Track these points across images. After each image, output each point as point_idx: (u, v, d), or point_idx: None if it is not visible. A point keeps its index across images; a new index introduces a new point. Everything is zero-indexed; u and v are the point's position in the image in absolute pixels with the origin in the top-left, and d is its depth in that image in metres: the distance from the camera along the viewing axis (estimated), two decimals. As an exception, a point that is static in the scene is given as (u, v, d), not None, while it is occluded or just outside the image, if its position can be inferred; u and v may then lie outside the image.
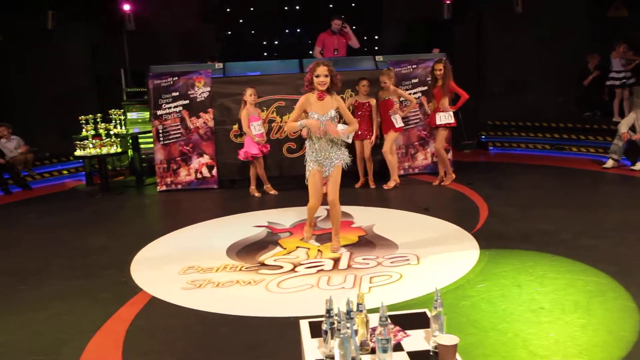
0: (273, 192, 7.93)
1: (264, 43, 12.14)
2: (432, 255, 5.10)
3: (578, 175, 8.27)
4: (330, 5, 11.86)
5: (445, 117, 7.68)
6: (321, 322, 2.55)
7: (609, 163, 8.47)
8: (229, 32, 12.15)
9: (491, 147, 10.88)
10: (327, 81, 4.88)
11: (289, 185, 8.18)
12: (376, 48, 11.81)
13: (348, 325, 2.30)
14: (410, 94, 8.35)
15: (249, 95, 7.66)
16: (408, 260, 5.00)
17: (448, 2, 10.87)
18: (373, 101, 7.84)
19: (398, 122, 7.76)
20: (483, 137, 11.11)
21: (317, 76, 4.86)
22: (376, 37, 12.11)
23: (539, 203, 6.74)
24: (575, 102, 11.06)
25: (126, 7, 10.48)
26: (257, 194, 7.85)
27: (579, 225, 5.73)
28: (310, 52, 10.85)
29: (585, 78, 10.72)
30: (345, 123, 5.77)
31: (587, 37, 10.85)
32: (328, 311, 2.50)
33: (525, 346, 3.39)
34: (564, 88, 11.01)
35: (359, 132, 7.76)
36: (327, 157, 5.07)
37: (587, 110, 10.87)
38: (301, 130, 5.35)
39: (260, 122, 7.77)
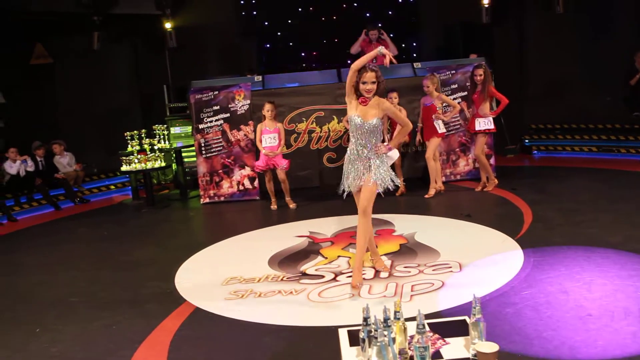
0: (292, 205, 7.84)
1: (302, 54, 12.22)
2: (475, 262, 5.03)
3: (627, 178, 8.00)
4: (367, 14, 11.87)
5: (485, 123, 7.58)
6: (359, 330, 2.56)
7: (660, 164, 8.19)
8: (268, 45, 12.30)
9: (535, 151, 10.64)
10: (373, 88, 4.50)
11: (330, 195, 8.19)
12: (414, 55, 11.75)
13: (385, 333, 2.29)
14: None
15: (267, 110, 7.71)
16: (450, 267, 4.94)
17: (486, 5, 10.73)
18: (403, 111, 7.81)
19: (441, 128, 7.70)
20: (526, 141, 10.89)
21: (364, 83, 4.47)
22: (414, 43, 12.05)
23: (586, 207, 6.55)
24: (622, 102, 10.71)
25: (168, 25, 10.75)
26: (292, 205, 7.86)
27: (628, 230, 5.54)
28: (349, 62, 10.88)
29: (632, 77, 10.38)
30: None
31: (633, 34, 10.51)
32: (365, 319, 2.51)
33: (572, 354, 3.30)
34: (610, 88, 10.68)
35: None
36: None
37: (636, 110, 10.51)
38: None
39: (273, 135, 7.69)
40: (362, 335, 2.49)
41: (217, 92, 8.49)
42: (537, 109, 11.09)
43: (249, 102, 8.46)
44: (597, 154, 9.93)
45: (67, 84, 10.99)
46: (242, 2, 11.98)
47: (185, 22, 10.88)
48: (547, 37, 11.03)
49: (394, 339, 2.45)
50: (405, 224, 6.43)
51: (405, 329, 2.50)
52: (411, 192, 7.97)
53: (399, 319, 2.52)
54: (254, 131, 8.23)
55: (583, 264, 4.74)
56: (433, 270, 4.92)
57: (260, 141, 7.72)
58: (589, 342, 3.43)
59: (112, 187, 10.45)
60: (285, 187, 7.91)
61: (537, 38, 11.20)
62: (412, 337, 2.54)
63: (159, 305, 4.66)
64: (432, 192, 7.78)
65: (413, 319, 2.81)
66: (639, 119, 10.19)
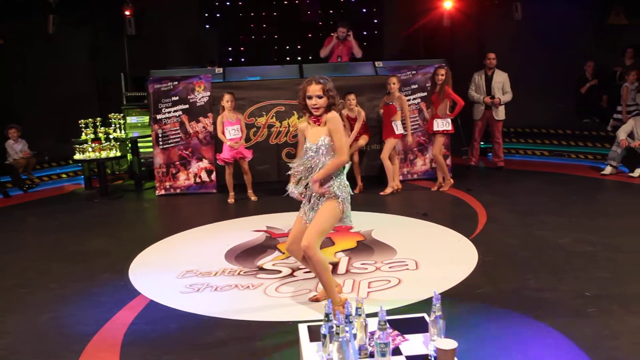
0: (254, 198, 7.89)
1: (262, 49, 12.16)
2: (431, 260, 5.12)
3: (576, 181, 8.28)
4: (330, 11, 11.90)
5: (443, 124, 7.72)
6: (320, 326, 2.57)
7: (607, 170, 8.49)
8: (230, 38, 12.18)
9: (490, 154, 10.87)
10: (320, 103, 3.85)
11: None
12: (376, 54, 11.85)
13: (347, 329, 2.31)
14: (409, 100, 8.39)
15: (226, 101, 7.65)
16: (406, 265, 5.01)
17: (448, 9, 10.91)
18: (362, 113, 7.88)
19: (398, 129, 7.78)
20: (482, 143, 11.11)
21: (310, 97, 3.85)
22: (376, 43, 12.14)
23: (538, 209, 6.75)
24: (573, 108, 11.09)
25: (127, 12, 10.49)
26: (253, 198, 7.87)
27: (578, 232, 5.74)
28: (310, 57, 10.91)
29: (583, 85, 10.76)
30: None
31: (587, 44, 10.88)
32: (327, 315, 2.52)
33: (523, 352, 3.40)
34: (562, 95, 11.03)
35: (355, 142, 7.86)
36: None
37: (586, 117, 10.91)
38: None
39: (236, 127, 7.68)
40: (323, 330, 2.50)
41: (176, 83, 8.35)
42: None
43: (208, 94, 8.35)
44: (548, 158, 10.24)
45: (19, 67, 10.59)
46: None
47: (146, 9, 10.65)
48: (504, 43, 11.29)
49: (354, 335, 2.47)
50: (362, 221, 6.47)
51: (366, 325, 2.52)
52: (368, 189, 8.04)
53: (360, 315, 2.55)
54: (213, 123, 8.16)
55: (534, 264, 4.89)
56: (390, 267, 4.98)
57: (223, 133, 7.65)
58: (540, 341, 3.53)
59: (64, 175, 10.15)
60: (249, 178, 7.91)
61: (495, 43, 11.43)
62: (372, 333, 2.56)
63: (112, 298, 4.56)
64: (387, 190, 7.89)
65: (371, 315, 2.84)
66: (589, 126, 10.57)
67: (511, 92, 9.24)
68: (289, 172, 4.08)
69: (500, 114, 9.31)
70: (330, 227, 3.95)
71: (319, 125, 3.90)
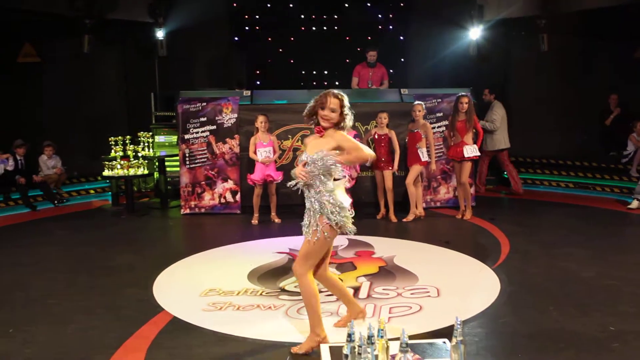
0: (277, 220, 7.99)
1: (290, 73, 12.33)
2: (453, 288, 5.10)
3: (602, 215, 8.20)
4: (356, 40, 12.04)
5: (472, 150, 7.76)
6: (342, 347, 2.60)
7: (634, 204, 8.39)
8: (258, 61, 12.39)
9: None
10: (332, 117, 3.74)
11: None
12: (402, 81, 11.93)
13: (369, 350, 2.34)
14: (434, 127, 8.43)
15: (260, 122, 7.80)
16: (428, 292, 5.01)
17: (475, 39, 10.99)
18: (392, 133, 7.94)
19: (424, 156, 7.82)
20: (505, 173, 11.07)
21: (323, 108, 3.71)
22: (402, 70, 12.24)
23: (562, 241, 6.70)
24: (599, 141, 11.02)
25: (159, 33, 10.76)
26: (277, 220, 7.96)
27: (602, 265, 5.68)
28: (337, 83, 11.01)
29: (607, 117, 10.71)
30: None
31: (610, 75, 10.85)
32: (349, 336, 2.55)
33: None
34: (588, 127, 10.98)
35: (380, 164, 7.84)
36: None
37: (612, 150, 10.82)
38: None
39: (268, 149, 7.79)
40: (345, 351, 2.53)
41: (205, 104, 8.52)
42: (517, 143, 11.31)
43: (236, 115, 8.50)
44: (573, 190, 10.15)
45: (54, 85, 10.91)
46: (236, 15, 12.10)
47: (178, 31, 10.92)
48: (531, 74, 11.31)
49: (376, 357, 2.49)
50: (384, 247, 6.49)
51: (388, 347, 2.55)
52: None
53: (382, 337, 2.57)
54: (239, 144, 8.30)
55: (558, 296, 4.85)
56: (411, 294, 4.98)
57: (255, 154, 7.76)
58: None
59: (92, 191, 10.36)
60: (274, 200, 8.00)
61: (522, 74, 11.47)
62: (393, 356, 2.59)
63: (136, 313, 4.63)
64: (410, 216, 7.89)
65: (394, 339, 2.86)
66: (614, 159, 10.47)
67: (492, 123, 9.74)
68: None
69: (488, 144, 9.79)
70: (317, 250, 3.76)
71: (321, 136, 3.77)
